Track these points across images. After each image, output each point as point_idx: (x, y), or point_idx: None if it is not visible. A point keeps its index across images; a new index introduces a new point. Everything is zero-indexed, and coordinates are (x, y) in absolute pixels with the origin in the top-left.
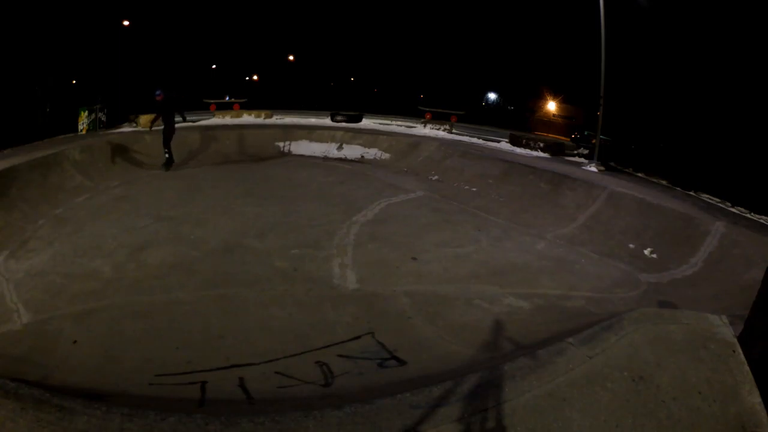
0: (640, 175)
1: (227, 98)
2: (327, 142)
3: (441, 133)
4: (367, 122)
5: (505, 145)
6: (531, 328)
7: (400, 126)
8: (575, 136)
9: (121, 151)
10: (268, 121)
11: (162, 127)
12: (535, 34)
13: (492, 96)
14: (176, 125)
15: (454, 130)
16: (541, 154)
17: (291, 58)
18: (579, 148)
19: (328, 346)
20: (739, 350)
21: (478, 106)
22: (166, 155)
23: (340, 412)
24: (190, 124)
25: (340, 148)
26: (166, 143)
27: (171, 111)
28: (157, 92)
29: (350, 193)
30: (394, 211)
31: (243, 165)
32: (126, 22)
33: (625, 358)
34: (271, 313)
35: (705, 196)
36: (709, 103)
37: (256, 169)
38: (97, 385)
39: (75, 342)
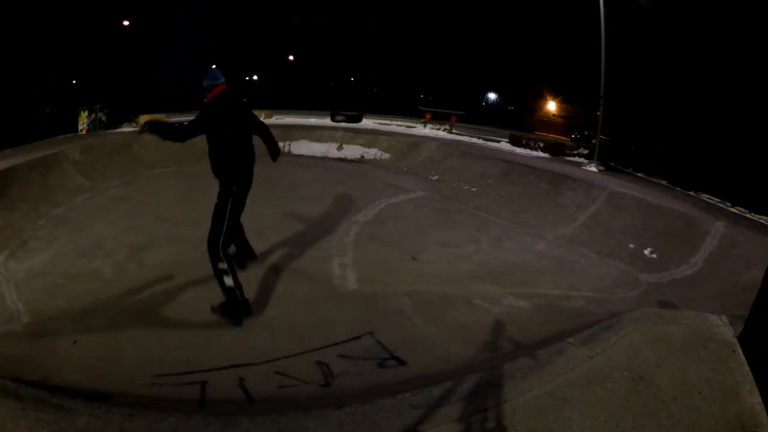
0: (640, 175)
1: None
2: (327, 142)
3: (441, 133)
4: (367, 122)
5: (505, 145)
6: (531, 328)
7: (400, 126)
8: (575, 136)
9: (121, 151)
10: (268, 121)
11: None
12: (535, 34)
13: (492, 96)
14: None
15: (454, 130)
16: (541, 154)
17: (291, 58)
18: (579, 148)
19: (328, 346)
20: (739, 350)
21: (478, 106)
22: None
23: (340, 412)
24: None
25: (340, 148)
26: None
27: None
28: (213, 79)
29: (350, 193)
30: (394, 211)
31: None
32: (126, 22)
33: (625, 358)
34: (271, 313)
35: (705, 196)
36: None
37: (256, 169)
38: (97, 385)
39: (75, 342)
